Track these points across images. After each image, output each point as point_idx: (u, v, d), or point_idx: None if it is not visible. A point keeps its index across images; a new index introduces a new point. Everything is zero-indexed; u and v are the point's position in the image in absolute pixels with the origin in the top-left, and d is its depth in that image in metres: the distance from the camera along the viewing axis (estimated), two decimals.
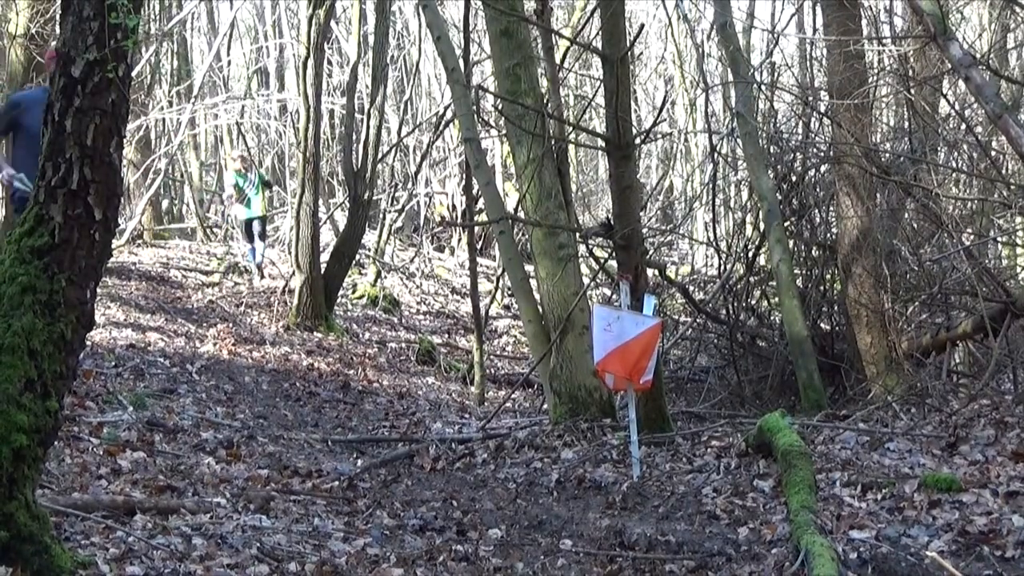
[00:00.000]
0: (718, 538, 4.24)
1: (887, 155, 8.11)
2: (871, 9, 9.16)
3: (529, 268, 7.34)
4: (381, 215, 16.60)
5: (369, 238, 15.24)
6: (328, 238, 14.52)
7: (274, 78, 19.75)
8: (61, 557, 3.11)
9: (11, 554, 2.98)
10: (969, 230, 8.22)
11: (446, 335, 13.58)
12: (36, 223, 3.10)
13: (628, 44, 6.18)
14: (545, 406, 7.20)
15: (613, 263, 7.22)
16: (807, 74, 10.53)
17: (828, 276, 8.49)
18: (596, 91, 14.69)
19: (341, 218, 15.15)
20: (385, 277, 15.14)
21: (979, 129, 8.42)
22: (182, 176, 19.06)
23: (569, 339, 6.51)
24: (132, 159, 14.85)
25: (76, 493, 4.31)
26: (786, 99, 10.04)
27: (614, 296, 8.24)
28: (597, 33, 7.47)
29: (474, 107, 7.29)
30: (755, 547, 4.09)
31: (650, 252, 9.62)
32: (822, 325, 8.46)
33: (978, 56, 6.33)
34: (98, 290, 3.27)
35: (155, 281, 12.33)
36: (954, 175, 9.04)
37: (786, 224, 8.04)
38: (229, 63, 20.89)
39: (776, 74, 11.60)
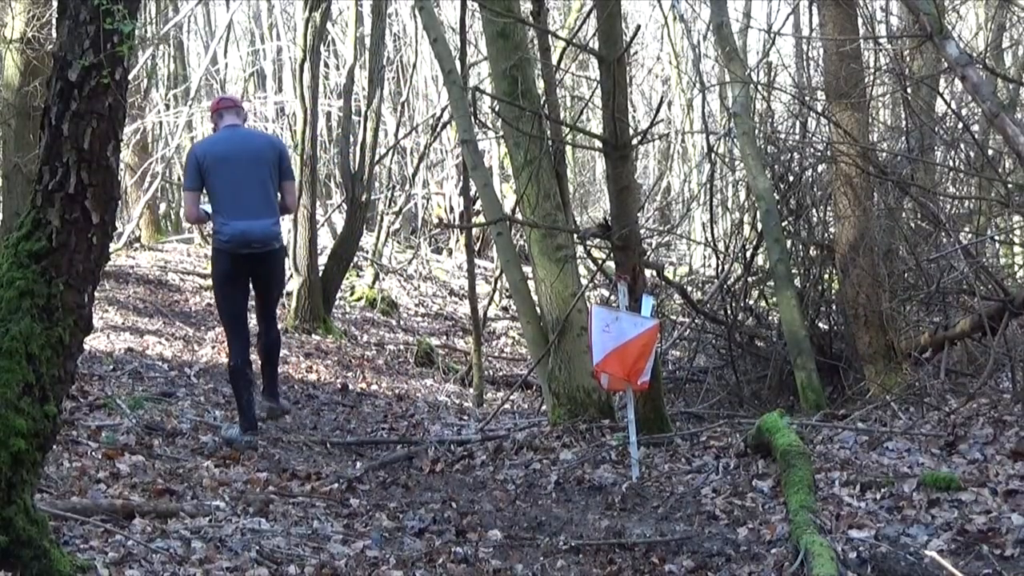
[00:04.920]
0: (717, 538, 4.24)
1: (884, 154, 8.11)
2: (867, 8, 9.17)
3: (527, 269, 7.34)
4: (379, 217, 16.60)
5: (367, 240, 15.23)
6: (326, 240, 14.53)
7: (271, 80, 19.74)
8: (60, 561, 3.11)
9: (10, 559, 2.98)
10: (967, 229, 8.22)
11: (444, 337, 13.57)
12: (33, 227, 3.10)
13: (625, 45, 6.18)
14: (544, 407, 7.20)
15: (611, 264, 7.23)
16: (804, 74, 10.53)
17: (826, 276, 8.49)
18: (593, 92, 14.70)
19: (339, 220, 15.15)
20: (383, 279, 15.14)
21: (976, 128, 8.43)
22: (179, 180, 19.04)
23: (567, 340, 6.51)
24: (129, 162, 14.85)
25: (75, 497, 4.31)
26: (783, 99, 10.06)
27: (612, 297, 8.23)
28: (594, 34, 7.48)
29: (471, 109, 7.29)
30: (754, 547, 4.09)
31: (648, 253, 9.62)
32: (820, 325, 8.45)
33: (975, 55, 6.34)
34: (96, 294, 3.27)
35: (153, 285, 12.33)
36: (951, 174, 9.05)
37: (784, 224, 8.04)
38: (226, 66, 20.89)
39: (773, 74, 11.62)
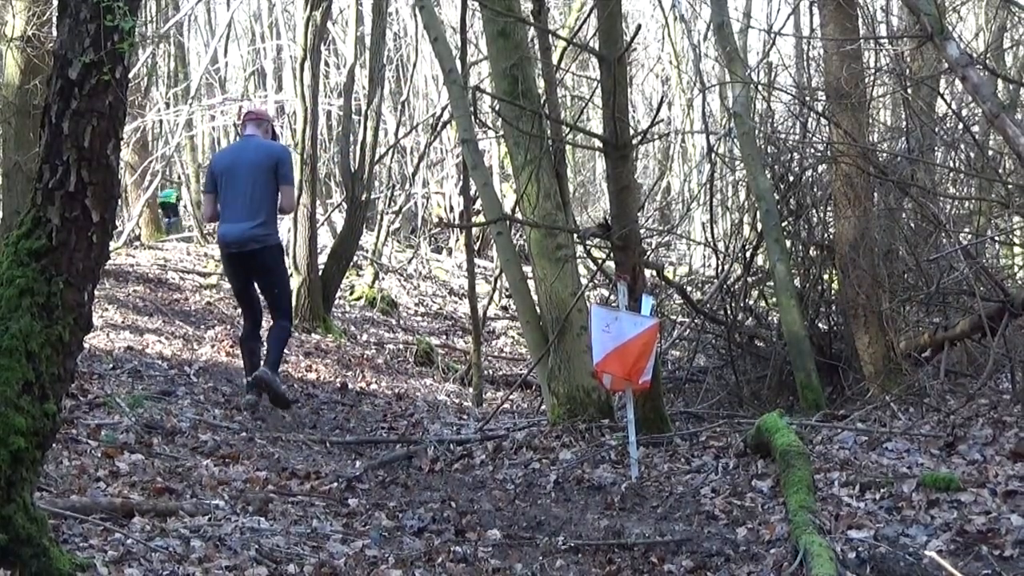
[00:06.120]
0: (716, 538, 4.24)
1: (884, 155, 8.11)
2: (868, 9, 9.17)
3: (527, 269, 7.34)
4: (379, 216, 16.61)
5: (367, 239, 15.24)
6: (326, 240, 14.54)
7: (271, 79, 19.75)
8: (60, 560, 3.10)
9: (10, 557, 2.98)
10: (967, 229, 8.22)
11: (444, 336, 13.58)
12: (33, 225, 3.10)
13: (625, 44, 6.17)
14: (543, 407, 7.20)
15: (611, 264, 7.22)
16: (804, 74, 10.53)
17: (826, 276, 8.48)
18: (593, 91, 14.70)
19: (339, 219, 15.16)
20: (383, 279, 15.14)
21: (976, 128, 8.43)
22: (179, 178, 19.07)
23: (567, 340, 6.50)
24: (129, 161, 14.85)
25: (74, 495, 4.30)
26: (783, 99, 10.04)
27: (612, 297, 8.23)
28: (594, 34, 7.48)
29: (471, 108, 7.29)
30: (754, 547, 4.09)
31: (648, 253, 9.62)
32: (820, 325, 8.45)
33: (975, 55, 6.33)
34: (96, 292, 3.27)
35: (153, 283, 12.33)
36: (951, 174, 9.04)
37: (783, 224, 8.04)
38: (226, 64, 20.90)
39: (773, 74, 11.61)
